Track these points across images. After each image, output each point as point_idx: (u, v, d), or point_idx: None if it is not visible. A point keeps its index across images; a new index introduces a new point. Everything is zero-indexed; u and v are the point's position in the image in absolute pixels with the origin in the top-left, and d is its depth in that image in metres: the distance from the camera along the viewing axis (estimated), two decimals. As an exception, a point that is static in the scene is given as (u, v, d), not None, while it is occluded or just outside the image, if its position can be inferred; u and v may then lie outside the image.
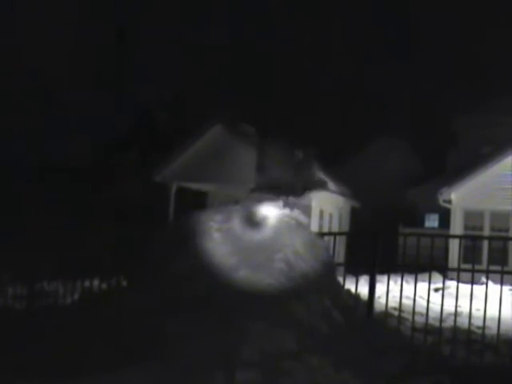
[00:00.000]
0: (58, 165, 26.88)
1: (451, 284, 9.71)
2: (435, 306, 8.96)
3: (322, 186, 19.39)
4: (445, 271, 10.58)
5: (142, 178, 23.16)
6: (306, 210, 20.49)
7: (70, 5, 30.83)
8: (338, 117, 41.45)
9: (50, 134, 27.08)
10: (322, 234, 11.60)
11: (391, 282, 8.83)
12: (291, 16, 54.86)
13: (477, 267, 8.42)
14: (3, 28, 27.50)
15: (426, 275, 8.64)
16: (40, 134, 26.84)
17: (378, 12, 58.25)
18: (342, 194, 26.51)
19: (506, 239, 17.48)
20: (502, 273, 8.17)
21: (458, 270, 8.45)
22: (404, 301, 8.71)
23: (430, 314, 8.45)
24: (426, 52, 58.73)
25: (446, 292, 8.54)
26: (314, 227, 21.35)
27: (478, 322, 8.54)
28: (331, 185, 25.54)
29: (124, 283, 9.12)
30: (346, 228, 26.82)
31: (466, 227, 23.66)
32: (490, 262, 8.37)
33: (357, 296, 8.78)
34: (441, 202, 24.42)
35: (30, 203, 22.14)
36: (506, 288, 8.23)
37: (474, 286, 8.16)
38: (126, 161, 28.27)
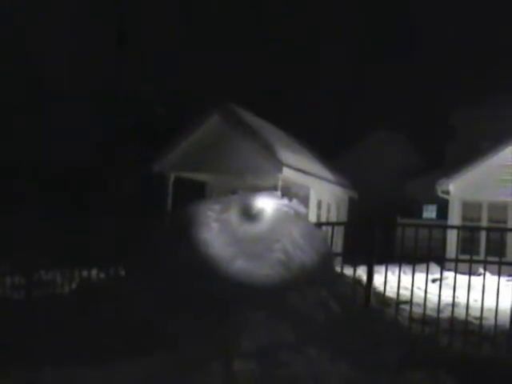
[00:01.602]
0: (57, 158, 26.89)
1: (449, 275, 9.72)
2: (433, 296, 8.98)
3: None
4: (442, 262, 10.60)
5: (141, 169, 23.14)
6: (304, 200, 20.51)
7: (69, 1, 30.70)
8: (338, 108, 41.42)
9: (49, 130, 27.05)
10: (320, 225, 11.59)
11: (389, 273, 8.84)
12: (291, 15, 54.87)
13: (474, 258, 8.44)
14: (2, 26, 27.39)
15: (424, 266, 8.64)
16: (40, 130, 26.80)
17: (378, 3, 58.09)
18: (340, 184, 26.50)
19: (504, 230, 17.51)
20: (500, 264, 8.18)
21: (456, 260, 8.45)
22: (402, 291, 8.72)
23: (428, 304, 8.46)
24: (426, 44, 58.68)
25: (443, 283, 8.56)
26: (312, 217, 21.35)
27: (475, 312, 8.57)
28: (329, 175, 25.54)
29: (122, 273, 9.12)
30: (344, 218, 26.82)
31: (464, 218, 23.69)
32: (488, 252, 8.38)
33: (354, 286, 8.79)
34: (439, 193, 24.43)
35: (30, 197, 22.19)
36: (503, 279, 8.24)
37: (472, 277, 8.17)
38: (125, 153, 28.27)
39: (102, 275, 9.54)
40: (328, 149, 30.17)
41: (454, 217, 23.76)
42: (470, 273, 8.15)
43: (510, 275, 8.34)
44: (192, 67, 36.97)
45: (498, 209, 23.35)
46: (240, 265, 7.33)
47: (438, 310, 8.32)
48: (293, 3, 53.67)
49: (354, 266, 8.89)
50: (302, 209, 8.86)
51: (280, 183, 19.58)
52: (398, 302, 8.83)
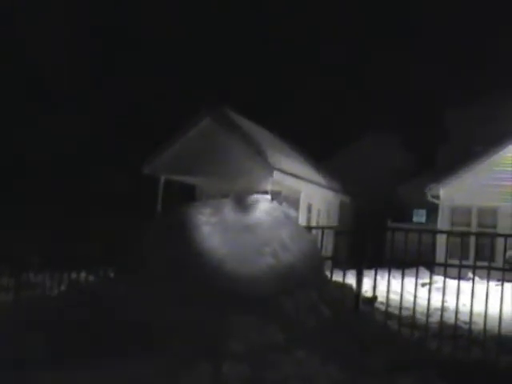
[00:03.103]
0: (48, 158, 26.80)
1: (438, 279, 9.74)
2: (422, 300, 8.99)
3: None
4: (432, 266, 10.59)
5: (131, 171, 23.12)
6: (295, 204, 20.53)
7: (69, 1, 30.66)
8: (328, 111, 41.47)
9: (38, 127, 26.94)
10: (309, 228, 11.60)
11: (378, 277, 8.85)
12: (291, 15, 54.90)
13: (464, 263, 8.46)
14: (2, 21, 27.34)
15: (414, 270, 8.65)
16: (28, 126, 26.69)
17: (373, 8, 58.29)
18: (331, 188, 26.54)
19: (493, 235, 17.56)
20: (489, 269, 8.20)
21: (445, 265, 8.47)
22: (391, 296, 8.73)
23: (417, 308, 8.48)
24: (417, 46, 58.87)
25: (433, 287, 8.57)
26: (302, 221, 21.37)
27: (464, 317, 8.58)
28: (320, 179, 25.57)
29: (111, 275, 9.09)
30: (334, 222, 26.86)
31: (454, 223, 23.75)
32: (477, 257, 8.41)
33: (344, 290, 8.79)
34: (429, 198, 24.50)
35: (18, 195, 22.08)
36: (492, 284, 8.27)
37: (461, 282, 8.19)
38: (114, 153, 28.24)
39: (91, 277, 9.51)
40: (318, 152, 30.19)
41: (444, 221, 23.83)
42: (460, 277, 8.17)
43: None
44: (190, 67, 36.97)
45: (487, 214, 23.43)
46: (230, 268, 7.32)
47: (427, 314, 8.33)
48: (293, 3, 53.73)
49: (344, 270, 8.90)
50: (291, 212, 8.87)
51: (271, 187, 19.58)
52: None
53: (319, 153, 29.73)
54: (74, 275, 9.61)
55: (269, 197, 9.37)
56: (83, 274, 9.62)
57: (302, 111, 41.09)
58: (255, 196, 8.89)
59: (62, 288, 9.46)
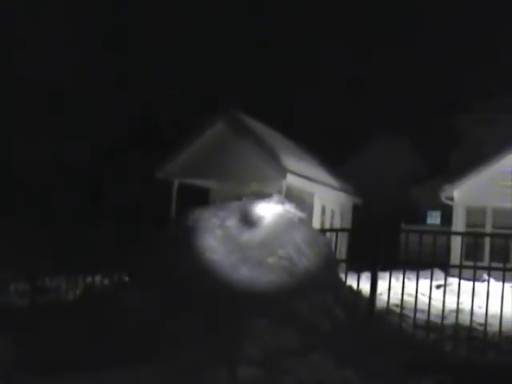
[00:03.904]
0: (61, 164, 26.89)
1: (453, 281, 9.70)
2: (437, 303, 8.96)
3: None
4: (447, 268, 10.56)
5: (144, 175, 23.17)
6: (308, 207, 20.51)
7: (70, 2, 30.71)
8: (341, 114, 41.39)
9: (51, 134, 27.00)
10: (323, 231, 11.58)
11: (393, 279, 8.82)
12: (290, 14, 54.85)
13: (479, 264, 8.42)
14: (2, 25, 27.40)
15: (428, 272, 8.63)
16: (41, 133, 26.75)
17: (377, 9, 58.09)
18: (344, 190, 26.49)
19: (508, 236, 17.49)
20: (504, 270, 8.17)
21: (460, 266, 8.44)
22: (406, 298, 8.70)
23: (432, 311, 8.45)
24: (429, 49, 58.66)
25: (447, 289, 8.54)
26: (316, 224, 21.34)
27: (479, 319, 8.55)
28: (333, 181, 25.54)
29: (126, 279, 9.12)
30: (347, 225, 26.78)
31: (468, 224, 23.61)
32: (492, 259, 8.39)
33: (359, 293, 8.78)
34: (443, 199, 24.38)
35: (32, 202, 22.19)
36: (507, 285, 8.23)
37: (476, 283, 8.16)
38: (128, 158, 28.31)
39: (106, 281, 9.55)
40: (332, 155, 30.12)
41: (458, 223, 23.69)
42: (475, 279, 8.14)
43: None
44: (194, 71, 36.97)
45: (502, 215, 23.28)
46: (244, 271, 7.33)
47: (442, 316, 8.30)
48: (293, 3, 53.63)
49: (358, 272, 8.89)
50: (302, 214, 8.86)
51: (284, 189, 19.56)
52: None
53: (331, 155, 29.66)
54: (89, 279, 9.65)
55: (282, 199, 9.34)
56: (98, 278, 9.66)
57: (311, 113, 41.03)
58: (269, 199, 8.89)
59: (78, 292, 9.51)
